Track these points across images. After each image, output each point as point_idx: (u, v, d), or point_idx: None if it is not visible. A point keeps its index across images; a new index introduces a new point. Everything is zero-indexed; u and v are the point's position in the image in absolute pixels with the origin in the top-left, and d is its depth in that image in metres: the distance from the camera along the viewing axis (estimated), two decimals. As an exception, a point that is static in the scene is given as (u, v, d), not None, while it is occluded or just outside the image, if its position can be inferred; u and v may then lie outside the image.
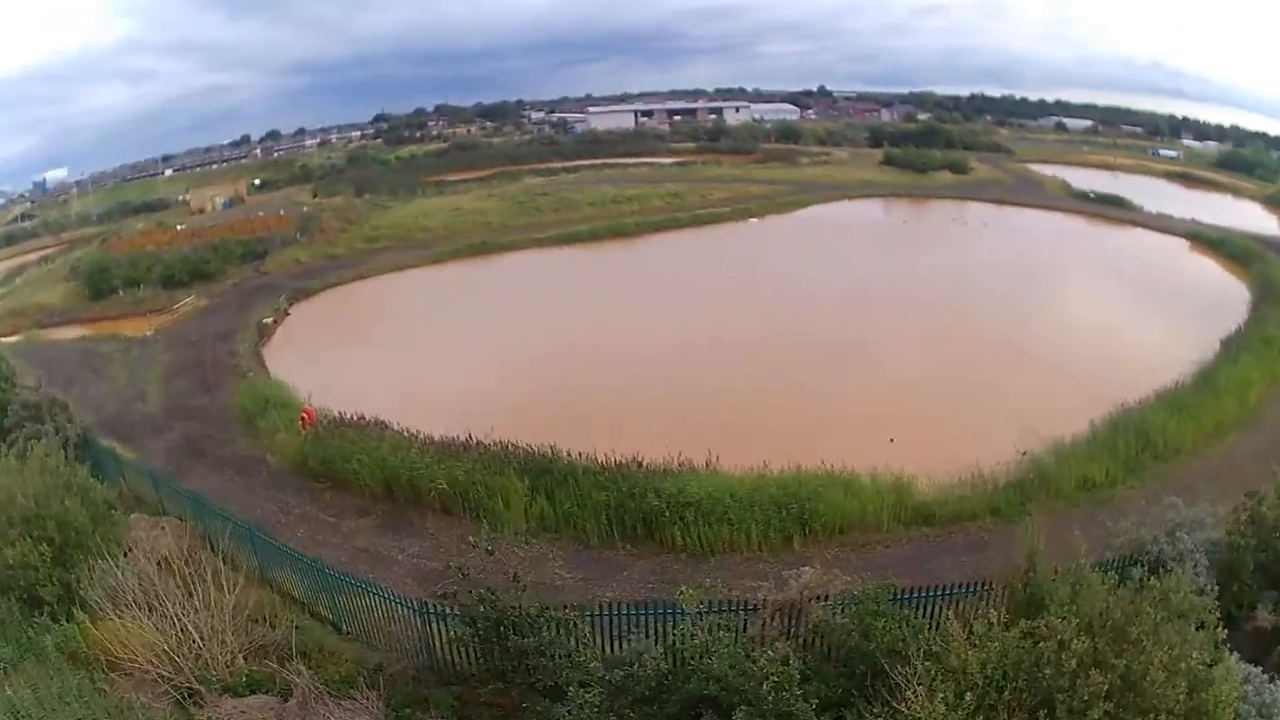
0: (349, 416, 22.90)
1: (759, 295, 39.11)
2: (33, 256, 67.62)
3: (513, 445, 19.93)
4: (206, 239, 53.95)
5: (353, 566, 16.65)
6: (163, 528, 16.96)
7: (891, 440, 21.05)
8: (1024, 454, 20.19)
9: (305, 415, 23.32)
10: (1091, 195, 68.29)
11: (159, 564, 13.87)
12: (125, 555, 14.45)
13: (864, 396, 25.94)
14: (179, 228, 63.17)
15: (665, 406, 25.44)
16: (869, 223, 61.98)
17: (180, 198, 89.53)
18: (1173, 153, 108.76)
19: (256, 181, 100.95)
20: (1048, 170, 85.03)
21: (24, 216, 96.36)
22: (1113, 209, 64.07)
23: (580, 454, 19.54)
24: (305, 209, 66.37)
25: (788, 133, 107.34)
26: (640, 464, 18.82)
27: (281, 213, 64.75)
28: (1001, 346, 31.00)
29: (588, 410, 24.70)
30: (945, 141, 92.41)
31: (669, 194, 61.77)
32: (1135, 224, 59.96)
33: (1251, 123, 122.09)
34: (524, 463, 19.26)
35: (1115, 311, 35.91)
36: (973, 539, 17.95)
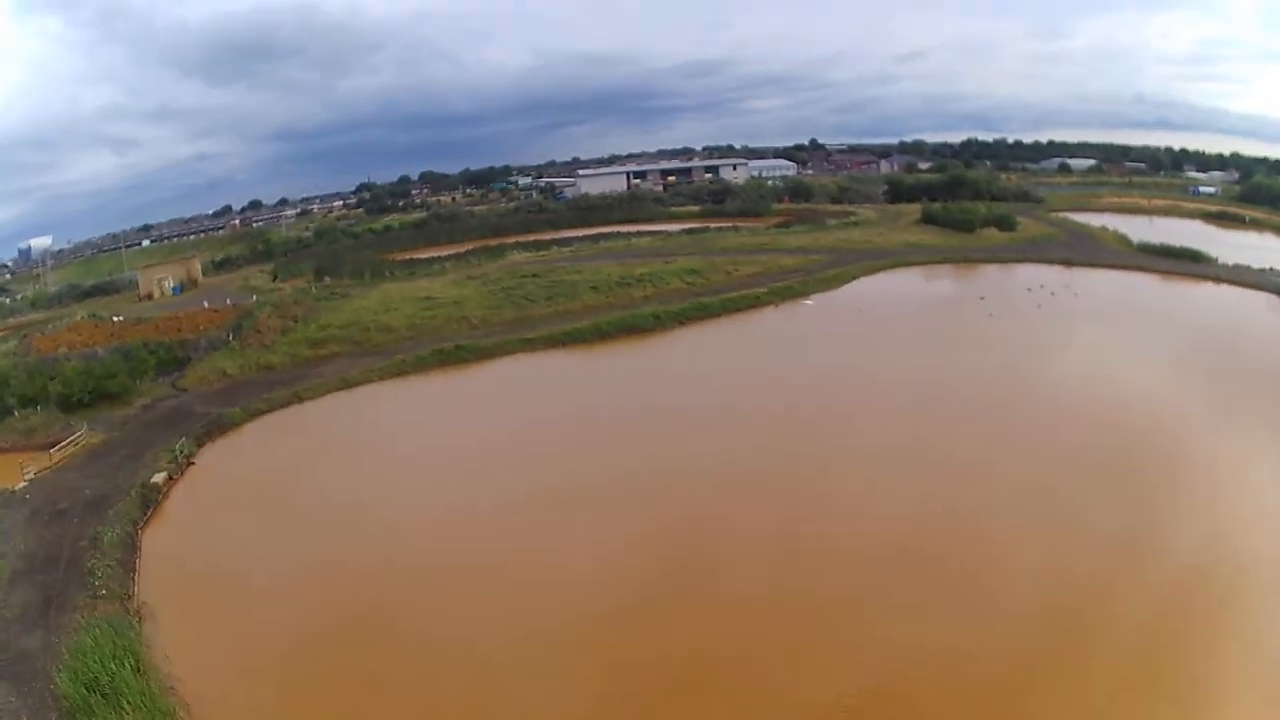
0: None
1: (861, 450, 27.17)
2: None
3: None
4: (127, 339, 46.20)
5: None
6: None
7: None
8: None
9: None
10: (1160, 249, 61.59)
11: None
12: None
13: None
14: (115, 319, 55.66)
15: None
16: (940, 300, 51.33)
17: (134, 277, 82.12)
18: (1211, 189, 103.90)
19: (217, 259, 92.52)
20: (1093, 220, 77.49)
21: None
22: (1189, 264, 58.50)
23: None
24: (255, 297, 58.29)
25: (798, 190, 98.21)
26: None
27: (228, 301, 58.11)
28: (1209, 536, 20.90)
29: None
30: (973, 193, 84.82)
31: (687, 271, 51.60)
32: (1219, 279, 54.39)
33: (1245, 148, 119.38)
34: None
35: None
36: None
